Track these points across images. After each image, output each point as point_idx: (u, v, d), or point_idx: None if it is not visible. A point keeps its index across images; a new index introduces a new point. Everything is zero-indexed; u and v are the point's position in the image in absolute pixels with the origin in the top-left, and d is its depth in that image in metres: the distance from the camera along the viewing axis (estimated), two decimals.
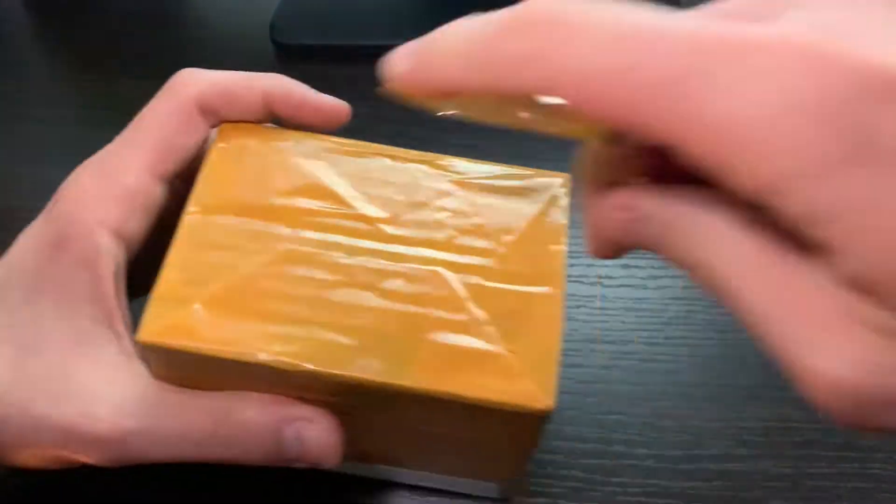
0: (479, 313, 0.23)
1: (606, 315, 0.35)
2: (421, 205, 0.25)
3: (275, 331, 0.22)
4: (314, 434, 0.23)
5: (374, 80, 0.52)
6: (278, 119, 0.27)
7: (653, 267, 0.37)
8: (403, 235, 0.24)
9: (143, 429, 0.22)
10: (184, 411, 0.23)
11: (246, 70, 0.28)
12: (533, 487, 0.30)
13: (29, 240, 0.24)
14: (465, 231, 0.25)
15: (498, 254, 0.24)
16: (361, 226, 0.24)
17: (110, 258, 0.23)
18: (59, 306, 0.23)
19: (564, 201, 0.25)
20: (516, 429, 0.23)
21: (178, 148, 0.25)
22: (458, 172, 0.26)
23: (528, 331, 0.22)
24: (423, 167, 0.26)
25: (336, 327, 0.22)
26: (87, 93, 0.47)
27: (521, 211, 0.25)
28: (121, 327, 0.23)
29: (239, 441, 0.23)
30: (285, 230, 0.24)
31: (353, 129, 0.29)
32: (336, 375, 0.22)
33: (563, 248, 0.24)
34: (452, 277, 0.23)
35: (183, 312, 0.22)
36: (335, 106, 0.27)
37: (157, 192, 0.25)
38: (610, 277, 0.37)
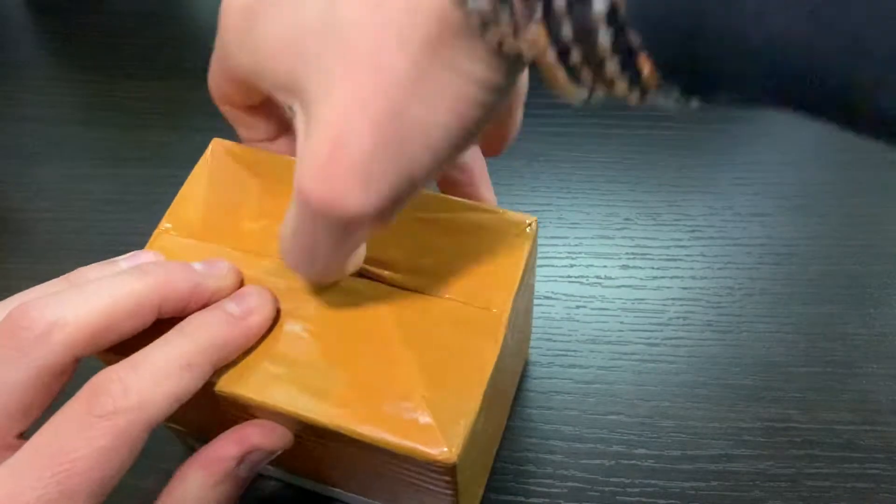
0: (408, 354, 0.22)
1: (606, 315, 0.35)
2: (381, 239, 0.24)
3: None
4: (262, 456, 0.23)
5: None
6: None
7: (652, 268, 0.37)
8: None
9: None
10: None
11: None
12: (533, 487, 0.30)
13: None
14: (416, 269, 0.24)
15: (446, 294, 0.23)
16: None
17: None
18: None
19: (526, 246, 0.24)
20: (426, 474, 0.22)
21: (116, 477, 0.20)
22: (424, 209, 0.25)
23: (453, 379, 0.22)
24: None
25: (269, 355, 0.23)
26: (87, 93, 0.47)
27: (480, 251, 0.24)
28: None
29: None
30: (246, 256, 0.24)
31: None
32: (253, 401, 0.22)
33: (513, 294, 0.23)
34: (390, 314, 0.23)
35: None
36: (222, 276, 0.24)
37: None
38: (609, 278, 0.37)
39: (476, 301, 0.23)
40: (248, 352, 0.23)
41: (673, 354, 0.34)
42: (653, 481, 0.30)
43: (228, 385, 0.22)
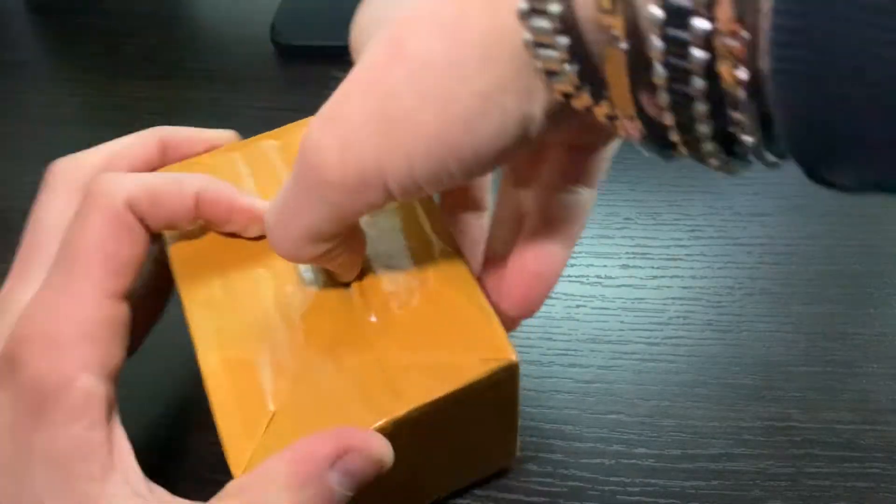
0: (309, 375, 0.22)
1: (606, 314, 0.35)
2: (389, 266, 0.25)
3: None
4: (359, 465, 0.21)
5: None
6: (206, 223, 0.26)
7: (652, 267, 0.37)
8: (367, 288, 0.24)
9: None
10: None
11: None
12: (533, 486, 0.30)
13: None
14: (386, 313, 0.24)
15: (386, 352, 0.23)
16: None
17: (99, 403, 0.21)
18: (52, 478, 0.20)
19: (473, 375, 0.22)
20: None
21: (128, 260, 0.22)
22: (443, 272, 0.24)
23: (304, 422, 0.21)
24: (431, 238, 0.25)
25: (232, 297, 0.24)
26: (87, 93, 0.48)
27: (443, 347, 0.23)
28: (117, 476, 0.21)
29: None
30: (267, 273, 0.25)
31: None
32: (185, 310, 0.24)
33: (412, 407, 0.22)
34: (330, 331, 0.23)
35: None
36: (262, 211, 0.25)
37: (124, 311, 0.22)
38: (610, 277, 0.37)
39: (393, 382, 0.22)
40: (226, 281, 0.24)
41: (673, 354, 0.34)
42: (653, 480, 0.30)
43: (187, 290, 0.24)
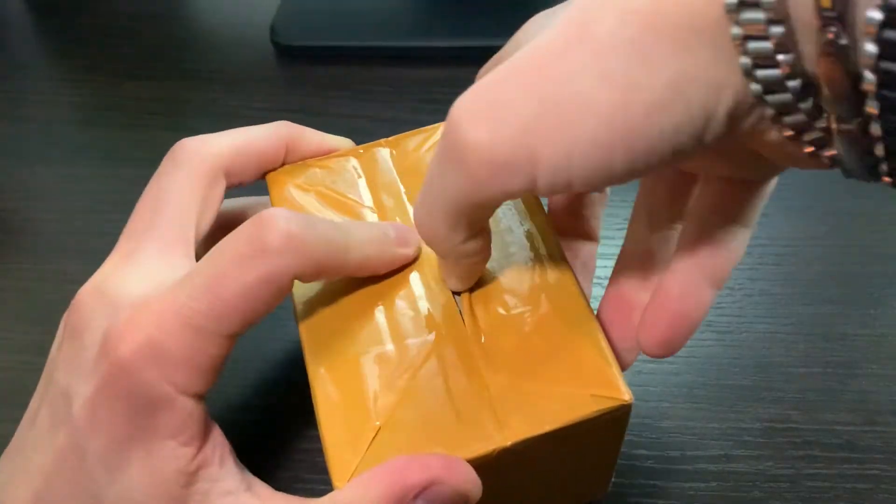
0: (404, 377, 0.22)
1: None
2: (504, 295, 0.24)
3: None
4: (443, 496, 0.20)
5: (373, 82, 0.52)
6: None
7: None
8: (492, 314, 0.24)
9: None
10: None
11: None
12: None
13: (96, 409, 0.21)
14: (496, 338, 0.23)
15: (491, 378, 0.22)
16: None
17: (197, 421, 0.21)
18: (146, 481, 0.21)
19: (586, 412, 0.21)
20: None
21: (259, 316, 0.21)
22: (558, 303, 0.24)
23: (408, 440, 0.21)
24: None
25: (353, 328, 0.24)
26: (87, 93, 0.48)
27: (552, 379, 0.22)
28: (211, 473, 0.22)
29: None
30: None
31: (353, 130, 0.30)
32: (297, 318, 0.24)
33: (522, 438, 0.21)
34: (440, 346, 0.23)
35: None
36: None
37: (229, 350, 0.22)
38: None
39: (500, 409, 0.22)
40: (338, 295, 0.24)
41: (673, 355, 0.34)
42: (652, 482, 0.30)
43: (301, 300, 0.24)
